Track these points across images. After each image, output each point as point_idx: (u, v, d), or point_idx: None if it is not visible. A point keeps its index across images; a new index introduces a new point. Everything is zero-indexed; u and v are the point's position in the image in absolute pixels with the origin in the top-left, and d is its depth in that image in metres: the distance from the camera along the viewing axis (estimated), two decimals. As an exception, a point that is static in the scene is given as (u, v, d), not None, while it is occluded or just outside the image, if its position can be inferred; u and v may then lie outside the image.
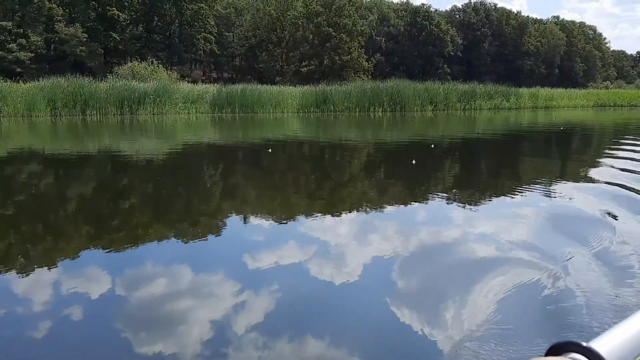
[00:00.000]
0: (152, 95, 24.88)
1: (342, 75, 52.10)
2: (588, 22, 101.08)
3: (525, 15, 77.77)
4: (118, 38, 45.23)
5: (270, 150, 9.63)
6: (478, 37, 70.61)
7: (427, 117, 23.80)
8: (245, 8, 58.96)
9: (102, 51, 45.04)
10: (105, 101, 23.63)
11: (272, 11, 53.81)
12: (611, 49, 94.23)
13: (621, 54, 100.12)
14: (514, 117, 21.99)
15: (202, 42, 51.85)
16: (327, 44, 53.61)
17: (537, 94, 35.85)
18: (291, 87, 31.06)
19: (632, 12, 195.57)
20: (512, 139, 12.42)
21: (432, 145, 10.50)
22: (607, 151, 8.35)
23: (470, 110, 30.14)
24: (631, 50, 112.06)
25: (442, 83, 32.70)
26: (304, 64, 54.48)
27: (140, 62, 33.80)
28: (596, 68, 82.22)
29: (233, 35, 55.89)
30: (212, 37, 52.79)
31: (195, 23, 51.32)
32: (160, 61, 38.13)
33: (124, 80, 25.96)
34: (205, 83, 37.16)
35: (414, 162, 7.59)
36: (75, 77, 24.56)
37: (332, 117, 24.50)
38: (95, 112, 23.45)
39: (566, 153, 8.96)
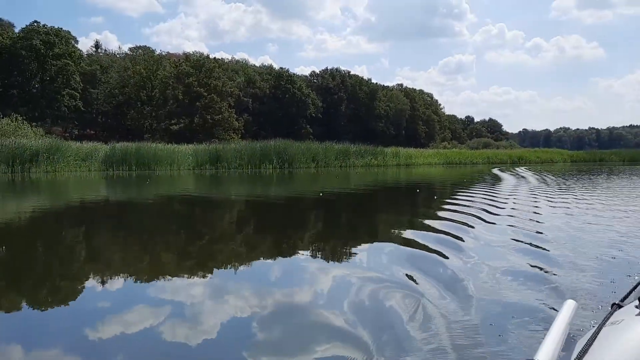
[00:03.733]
0: (44, 153, 25.44)
1: (214, 134, 55.14)
2: (425, 90, 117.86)
3: (375, 82, 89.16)
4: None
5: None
6: (335, 101, 79.47)
7: (311, 173, 28.37)
8: (110, 65, 59.50)
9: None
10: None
11: (142, 70, 55.42)
12: (446, 113, 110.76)
13: (453, 118, 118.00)
14: (383, 174, 27.03)
15: (67, 98, 51.23)
16: (198, 103, 56.64)
17: (399, 153, 42.79)
18: (185, 145, 33.35)
19: (454, 81, 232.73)
20: (381, 191, 15.23)
21: (321, 194, 12.74)
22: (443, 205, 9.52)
23: (346, 167, 35.51)
24: (460, 115, 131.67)
25: (304, 142, 37.82)
26: (173, 121, 56.11)
27: (2, 118, 33.40)
28: (435, 130, 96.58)
29: (98, 92, 55.91)
30: (76, 93, 52.42)
31: (59, 78, 50.73)
32: (22, 117, 37.44)
33: (12, 138, 26.10)
34: (74, 140, 37.33)
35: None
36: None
37: (227, 173, 27.61)
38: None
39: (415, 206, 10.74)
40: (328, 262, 4.87)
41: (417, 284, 3.88)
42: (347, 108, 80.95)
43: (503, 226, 6.70)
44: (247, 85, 70.46)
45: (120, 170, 27.91)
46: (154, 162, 28.70)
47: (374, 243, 5.87)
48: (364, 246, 5.63)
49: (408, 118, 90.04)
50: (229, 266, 4.77)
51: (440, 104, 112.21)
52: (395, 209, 10.09)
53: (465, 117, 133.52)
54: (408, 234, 6.15)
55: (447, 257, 4.74)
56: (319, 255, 5.20)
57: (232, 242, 6.19)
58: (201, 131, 55.67)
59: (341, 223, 8.01)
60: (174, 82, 56.38)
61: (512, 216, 7.75)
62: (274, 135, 56.25)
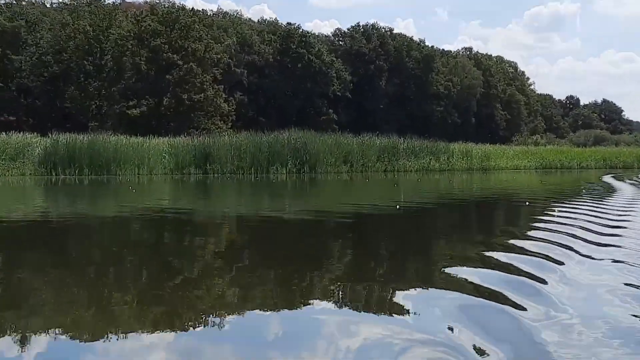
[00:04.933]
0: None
1: (192, 122, 56.46)
2: (505, 57, 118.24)
3: (429, 45, 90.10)
4: None
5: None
6: (371, 73, 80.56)
7: (343, 180, 29.06)
8: (40, 20, 61.07)
9: None
10: None
11: (88, 27, 56.96)
12: (536, 92, 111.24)
13: (547, 99, 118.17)
14: (449, 182, 27.38)
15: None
16: (169, 77, 57.77)
17: (470, 151, 43.96)
18: (156, 139, 34.65)
19: (548, 42, 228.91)
20: (441, 207, 15.73)
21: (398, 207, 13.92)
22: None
23: (393, 172, 36.38)
24: (558, 94, 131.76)
25: (329, 135, 38.85)
26: (132, 103, 57.16)
27: None
28: (521, 117, 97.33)
29: (22, 60, 57.53)
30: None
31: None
32: None
33: None
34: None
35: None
36: None
37: (219, 180, 28.51)
38: None
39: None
40: (356, 313, 4.94)
41: (481, 354, 3.89)
42: (388, 84, 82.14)
43: (608, 263, 6.76)
44: (241, 49, 71.75)
45: (67, 174, 29.00)
46: (116, 163, 29.88)
47: (427, 288, 5.99)
48: (411, 292, 5.74)
49: (480, 99, 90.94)
50: (211, 321, 4.78)
51: (527, 78, 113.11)
52: (460, 233, 10.52)
53: (566, 97, 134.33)
54: (472, 274, 6.28)
55: (523, 309, 4.81)
56: (343, 304, 5.31)
57: (219, 283, 6.29)
58: (173, 118, 56.90)
59: (379, 253, 8.37)
60: (134, 45, 57.68)
61: (622, 247, 7.79)
62: (279, 124, 56.72)
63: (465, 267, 6.68)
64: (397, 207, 14.55)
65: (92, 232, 10.73)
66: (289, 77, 72.95)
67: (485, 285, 5.63)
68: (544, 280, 5.80)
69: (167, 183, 26.31)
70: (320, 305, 5.23)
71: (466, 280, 5.96)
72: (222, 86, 61.66)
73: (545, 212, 12.83)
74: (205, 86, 58.61)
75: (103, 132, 36.00)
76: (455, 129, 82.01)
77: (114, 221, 12.14)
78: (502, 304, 4.94)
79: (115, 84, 57.90)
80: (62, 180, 26.84)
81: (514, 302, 4.97)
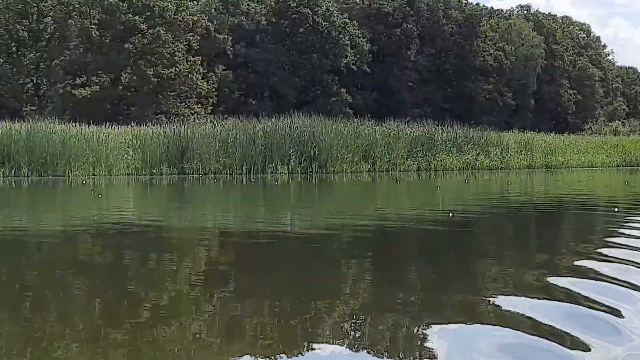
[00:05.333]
0: None
1: (160, 106, 56.62)
2: (574, 17, 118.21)
3: (475, 3, 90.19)
4: None
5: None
6: (396, 40, 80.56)
7: (363, 182, 29.10)
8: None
9: None
10: None
11: (21, -20, 57.14)
12: (616, 65, 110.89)
13: (630, 73, 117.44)
14: (518, 185, 27.19)
15: None
16: (129, 45, 57.87)
17: (530, 143, 43.88)
18: (115, 128, 35.08)
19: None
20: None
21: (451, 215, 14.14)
22: None
23: (429, 171, 36.44)
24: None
25: (344, 122, 38.86)
26: (79, 81, 57.21)
27: None
28: (596, 97, 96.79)
29: None
30: None
31: None
32: None
33: None
34: None
35: None
36: None
37: (200, 182, 28.79)
38: None
39: None
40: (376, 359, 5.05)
41: None
42: (419, 54, 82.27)
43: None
44: (224, 9, 71.73)
45: (-1, 172, 29.32)
46: (64, 160, 29.97)
47: (469, 324, 6.01)
48: (448, 329, 5.78)
49: (541, 73, 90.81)
50: None
51: (604, 46, 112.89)
52: (518, 251, 10.47)
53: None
54: (530, 305, 6.29)
55: (588, 349, 4.90)
56: (359, 346, 5.36)
57: (196, 320, 6.28)
58: (135, 100, 57.15)
59: (408, 278, 8.41)
60: (82, 4, 57.83)
61: None
62: (275, 108, 56.72)
63: (520, 297, 6.68)
64: (450, 215, 14.69)
65: (29, 252, 10.67)
66: (287, 46, 73.29)
67: (546, 320, 5.60)
68: (620, 313, 5.79)
69: (132, 186, 26.35)
70: (329, 350, 5.19)
71: (521, 313, 5.95)
72: (200, 58, 61.86)
73: (630, 224, 12.82)
74: (177, 58, 58.91)
75: (42, 120, 36.03)
76: (508, 114, 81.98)
77: (60, 238, 12.04)
78: (566, 345, 4.91)
79: (57, 56, 58.09)
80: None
81: (581, 341, 4.98)
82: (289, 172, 32.79)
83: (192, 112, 57.37)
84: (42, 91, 57.63)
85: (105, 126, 35.72)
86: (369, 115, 45.49)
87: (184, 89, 58.90)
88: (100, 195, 20.87)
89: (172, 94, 58.32)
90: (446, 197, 21.64)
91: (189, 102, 58.81)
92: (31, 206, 19.06)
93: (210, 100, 60.88)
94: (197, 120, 47.40)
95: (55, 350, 5.12)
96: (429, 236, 12.63)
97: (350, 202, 20.69)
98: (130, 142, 33.32)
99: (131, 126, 37.90)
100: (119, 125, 38.70)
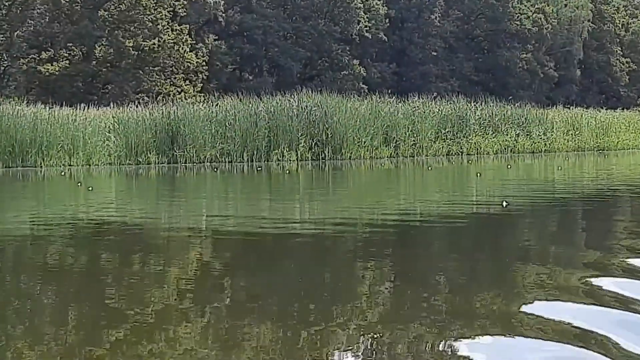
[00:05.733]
0: None
1: (141, 84, 56.72)
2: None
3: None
4: None
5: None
6: (419, 2, 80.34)
7: (385, 169, 29.51)
8: None
9: None
10: None
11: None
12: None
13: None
14: (567, 170, 27.37)
15: None
16: (104, 13, 57.97)
17: (579, 120, 44.04)
18: (102, 109, 35.38)
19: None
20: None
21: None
22: None
23: (461, 155, 36.78)
24: None
25: (360, 99, 39.25)
26: (46, 55, 57.17)
27: None
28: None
29: None
30: None
31: None
32: None
33: None
34: None
35: None
36: None
37: (194, 172, 29.18)
38: None
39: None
40: None
41: None
42: (444, 18, 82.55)
43: None
44: (214, -33, 71.86)
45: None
46: (35, 147, 30.32)
47: (506, 335, 6.00)
48: (482, 341, 5.78)
49: (588, 39, 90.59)
50: None
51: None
52: (563, 249, 10.49)
53: None
54: (575, 312, 6.35)
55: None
56: None
57: (185, 334, 6.30)
58: (112, 77, 57.25)
59: (436, 281, 8.49)
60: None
61: None
62: (276, 85, 56.89)
63: (564, 302, 6.71)
64: (504, 204, 14.85)
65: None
66: (289, 11, 73.49)
67: (593, 328, 5.62)
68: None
69: (114, 178, 26.86)
70: None
71: (565, 322, 5.93)
72: (187, 26, 61.93)
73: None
74: (160, 27, 58.80)
75: (3, 101, 36.25)
76: (550, 88, 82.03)
77: (29, 239, 12.31)
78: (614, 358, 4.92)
79: (19, 26, 58.35)
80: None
81: (634, 354, 4.96)
82: (297, 159, 32.97)
83: (179, 90, 57.36)
84: (2, 68, 57.74)
85: (79, 108, 35.82)
86: (387, 91, 45.29)
87: (169, 62, 58.91)
88: (91, 189, 21.10)
89: (155, 69, 58.33)
90: (489, 185, 21.86)
91: (175, 78, 58.72)
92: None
93: (200, 76, 60.89)
94: (185, 100, 47.34)
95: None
96: (456, 232, 12.74)
97: (372, 192, 20.79)
98: (112, 127, 33.57)
99: (110, 107, 38.10)
100: (96, 107, 38.83)
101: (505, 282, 8.23)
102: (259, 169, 29.74)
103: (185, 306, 7.24)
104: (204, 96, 51.49)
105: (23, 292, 8.09)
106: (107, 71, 57.50)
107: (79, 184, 22.45)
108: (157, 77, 57.99)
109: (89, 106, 37.65)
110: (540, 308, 6.35)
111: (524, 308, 6.57)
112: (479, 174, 25.31)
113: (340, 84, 62.61)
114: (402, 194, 19.91)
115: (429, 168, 29.24)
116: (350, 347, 5.53)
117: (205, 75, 61.97)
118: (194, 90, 58.00)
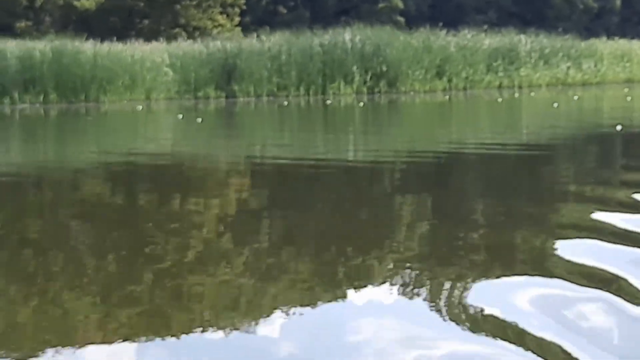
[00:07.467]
0: None
1: (177, 17, 56.95)
2: None
3: None
4: None
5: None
6: None
7: (440, 102, 30.31)
8: None
9: None
10: None
11: None
12: None
13: None
14: (625, 102, 27.60)
15: None
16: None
17: (630, 53, 44.60)
18: (156, 44, 36.57)
19: None
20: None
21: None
22: None
23: (512, 89, 37.30)
24: None
25: (410, 32, 39.72)
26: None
27: None
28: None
29: None
30: None
31: None
32: None
33: None
34: None
35: None
36: None
37: (253, 106, 30.04)
38: None
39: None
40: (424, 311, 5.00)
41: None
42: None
43: None
44: None
45: (25, 101, 30.57)
46: (96, 84, 31.22)
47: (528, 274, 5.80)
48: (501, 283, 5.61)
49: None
50: (209, 337, 4.55)
51: None
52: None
53: None
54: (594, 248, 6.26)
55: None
56: (405, 296, 5.40)
57: (222, 272, 6.34)
58: (147, 13, 57.37)
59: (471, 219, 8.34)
60: None
61: None
62: (311, 19, 56.70)
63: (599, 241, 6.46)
64: (619, 127, 15.16)
65: (42, 192, 11.40)
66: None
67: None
68: None
69: (174, 113, 27.41)
70: (377, 296, 5.30)
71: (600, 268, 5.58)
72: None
73: None
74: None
75: (39, 36, 36.77)
76: (590, 19, 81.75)
77: (82, 175, 12.80)
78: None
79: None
80: (20, 112, 28.44)
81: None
82: (353, 92, 33.78)
83: (216, 24, 57.69)
84: (37, 4, 58.25)
85: (130, 43, 36.52)
86: (426, 24, 45.28)
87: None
88: (201, 120, 22.17)
89: (192, 3, 58.67)
90: (572, 115, 22.54)
91: (211, 12, 58.95)
92: (59, 138, 20.18)
93: (237, 9, 61.03)
94: (222, 34, 47.85)
95: (61, 309, 5.26)
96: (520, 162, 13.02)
97: (432, 125, 21.42)
98: (167, 62, 34.41)
99: (159, 42, 38.83)
100: (135, 41, 38.77)
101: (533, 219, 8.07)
102: (312, 102, 30.73)
103: (223, 242, 7.54)
104: (242, 30, 51.92)
105: (60, 230, 8.37)
106: (143, 6, 57.75)
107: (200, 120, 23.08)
108: (194, 11, 58.13)
109: (131, 41, 37.95)
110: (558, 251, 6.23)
111: (547, 244, 6.67)
112: (555, 104, 25.27)
113: (377, 18, 62.54)
114: (471, 126, 20.60)
115: (499, 99, 29.89)
116: (380, 277, 5.79)
117: (241, 9, 62.02)
118: (230, 25, 57.99)
